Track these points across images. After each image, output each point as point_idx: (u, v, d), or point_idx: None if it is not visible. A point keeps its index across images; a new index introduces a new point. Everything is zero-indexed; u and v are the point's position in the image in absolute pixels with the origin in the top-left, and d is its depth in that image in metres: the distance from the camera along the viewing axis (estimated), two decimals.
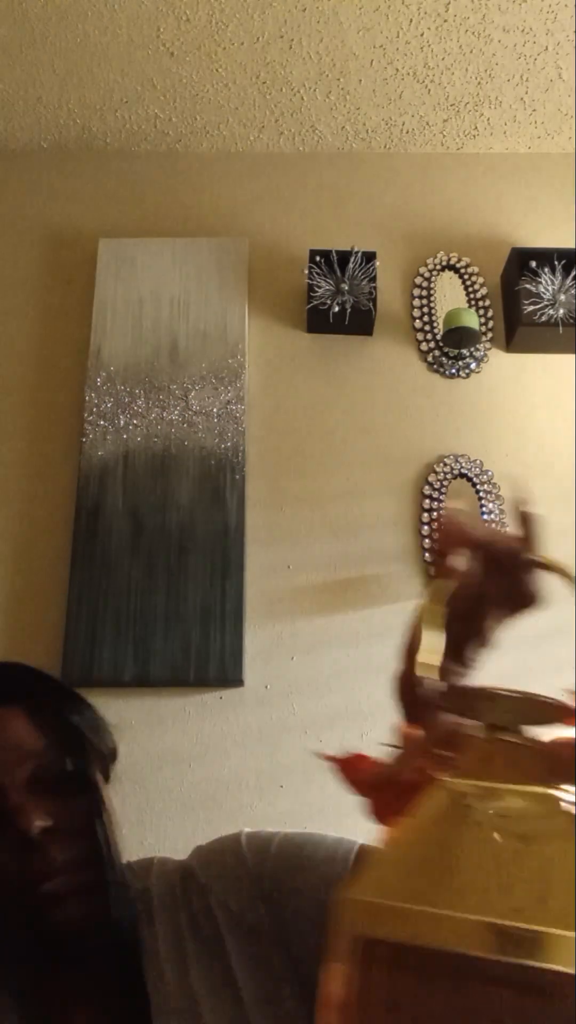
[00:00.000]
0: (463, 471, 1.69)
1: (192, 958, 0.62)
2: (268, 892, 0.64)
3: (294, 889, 0.63)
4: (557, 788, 0.36)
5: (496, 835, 0.33)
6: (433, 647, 0.49)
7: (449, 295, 1.86)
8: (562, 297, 1.73)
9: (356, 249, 1.78)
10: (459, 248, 1.90)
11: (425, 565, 1.63)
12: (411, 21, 1.68)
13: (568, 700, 0.41)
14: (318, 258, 1.79)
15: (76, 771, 0.64)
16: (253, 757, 1.48)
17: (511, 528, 0.53)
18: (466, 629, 0.52)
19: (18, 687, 0.70)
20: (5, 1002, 0.62)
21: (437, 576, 0.51)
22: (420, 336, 1.83)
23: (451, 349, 1.79)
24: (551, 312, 1.73)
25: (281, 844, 0.66)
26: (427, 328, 1.83)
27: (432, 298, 1.86)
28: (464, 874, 0.32)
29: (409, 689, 0.50)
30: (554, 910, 0.30)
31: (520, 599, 0.53)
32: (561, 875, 0.31)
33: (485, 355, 1.81)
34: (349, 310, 1.76)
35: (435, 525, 1.65)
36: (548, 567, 0.51)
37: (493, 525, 1.65)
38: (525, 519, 0.53)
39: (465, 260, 1.89)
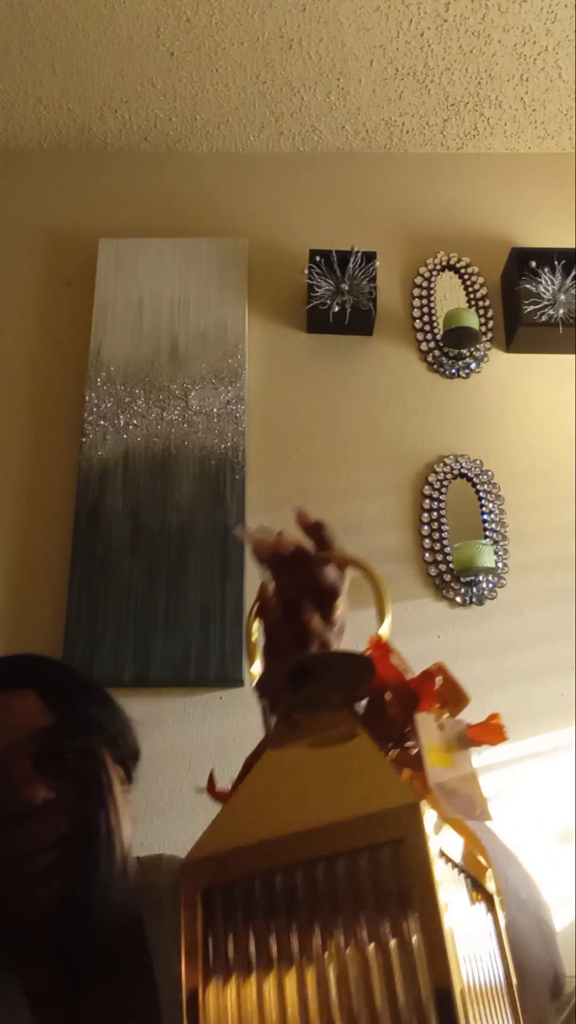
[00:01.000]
0: (463, 471, 1.69)
1: None
2: None
3: None
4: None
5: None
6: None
7: (449, 295, 1.86)
8: (562, 297, 1.73)
9: (356, 249, 1.78)
10: (459, 248, 1.90)
11: (425, 564, 1.63)
12: (411, 21, 1.68)
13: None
14: (318, 258, 1.79)
15: (82, 752, 0.65)
16: None
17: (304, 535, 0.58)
18: (287, 631, 0.55)
19: (33, 673, 0.71)
20: (16, 995, 0.62)
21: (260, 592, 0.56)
22: (420, 336, 1.83)
23: (451, 349, 1.79)
24: (551, 312, 1.73)
25: None
26: (427, 328, 1.83)
27: (432, 298, 1.86)
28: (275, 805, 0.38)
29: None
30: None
31: (319, 591, 0.56)
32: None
33: (485, 355, 1.81)
34: (349, 310, 1.76)
35: (434, 526, 1.65)
36: (338, 560, 0.57)
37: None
38: (309, 526, 0.59)
39: (465, 260, 1.89)
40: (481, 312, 1.84)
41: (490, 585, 1.61)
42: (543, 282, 1.74)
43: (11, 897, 0.59)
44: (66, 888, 0.59)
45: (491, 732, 0.47)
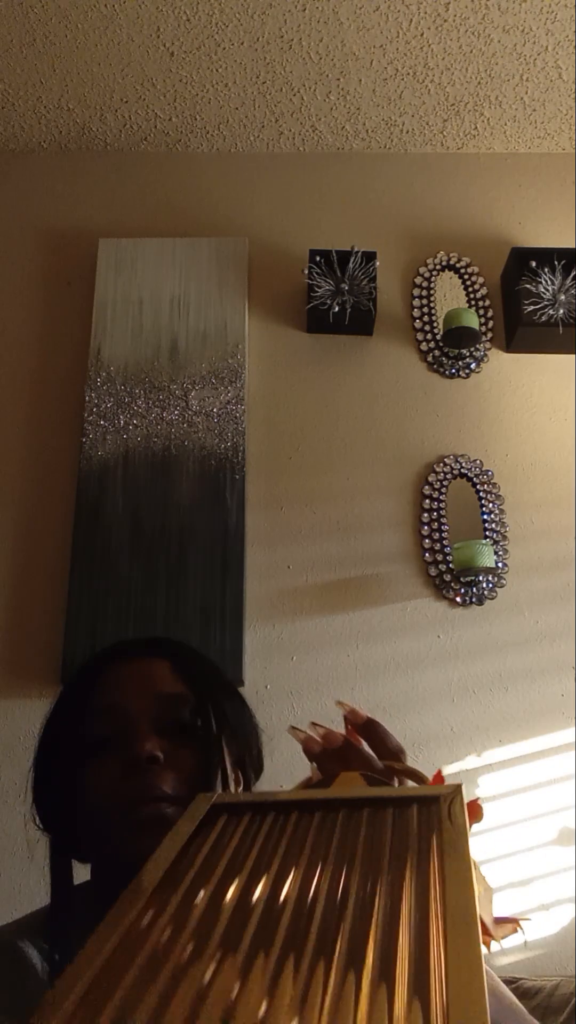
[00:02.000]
0: (463, 471, 1.69)
1: None
2: None
3: None
4: None
5: None
6: None
7: (449, 295, 1.86)
8: (562, 297, 1.73)
9: (356, 249, 1.78)
10: (459, 248, 1.90)
11: (425, 564, 1.63)
12: (411, 21, 1.68)
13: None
14: (318, 258, 1.79)
15: (201, 728, 0.67)
16: None
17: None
18: None
19: (173, 648, 0.75)
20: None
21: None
22: (420, 336, 1.83)
23: (451, 349, 1.79)
24: (551, 312, 1.73)
25: None
26: (427, 328, 1.83)
27: (432, 298, 1.86)
28: None
29: None
30: None
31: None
32: None
33: (485, 355, 1.81)
34: (349, 310, 1.76)
35: (434, 526, 1.65)
36: (390, 765, 0.57)
37: None
38: (361, 725, 0.60)
39: (465, 260, 1.89)
40: (481, 312, 1.84)
41: (490, 585, 1.61)
42: (543, 282, 1.74)
43: (121, 842, 0.62)
44: None
45: (472, 812, 0.47)
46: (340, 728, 0.61)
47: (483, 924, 0.42)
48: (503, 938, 0.46)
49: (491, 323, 1.83)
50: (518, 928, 0.48)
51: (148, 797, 0.62)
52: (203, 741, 0.67)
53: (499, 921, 0.47)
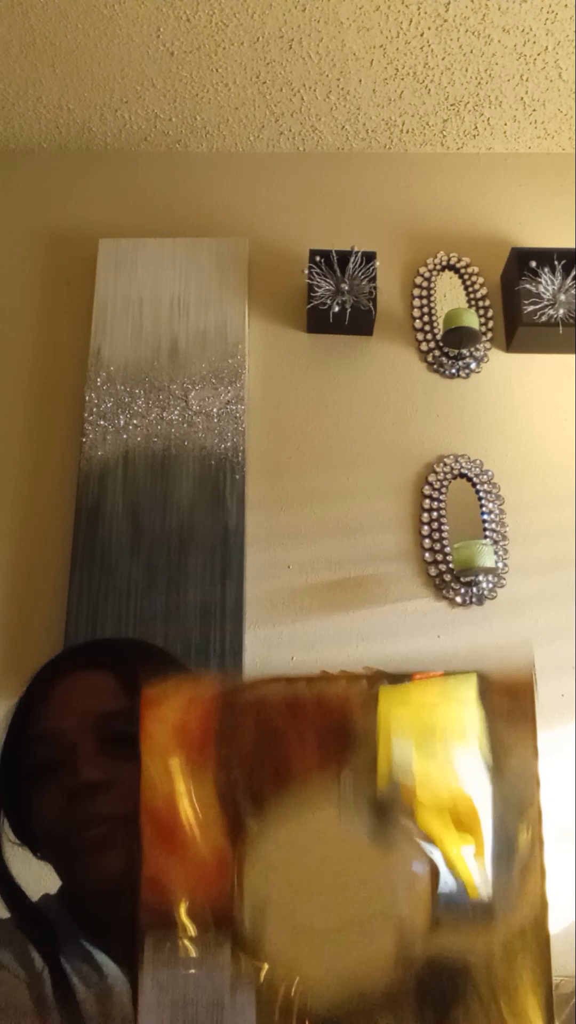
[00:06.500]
0: (463, 471, 1.69)
1: None
2: None
3: None
4: None
5: None
6: None
7: (449, 295, 1.86)
8: (562, 297, 1.73)
9: (356, 249, 1.78)
10: (459, 248, 1.90)
11: (425, 564, 1.63)
12: (411, 21, 1.68)
13: None
14: (318, 258, 1.79)
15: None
16: None
17: None
18: None
19: (117, 657, 0.72)
20: (97, 953, 0.64)
21: None
22: (420, 336, 1.83)
23: (451, 349, 1.79)
24: (551, 312, 1.73)
25: None
26: (427, 328, 1.83)
27: (432, 298, 1.86)
28: None
29: None
30: None
31: None
32: None
33: (485, 355, 1.81)
34: (349, 310, 1.76)
35: (434, 526, 1.65)
36: None
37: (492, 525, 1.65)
38: None
39: (465, 260, 1.89)
40: (481, 312, 1.84)
41: (490, 585, 1.61)
42: (543, 282, 1.74)
43: (76, 869, 0.63)
44: (121, 864, 0.61)
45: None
46: None
47: None
48: None
49: (491, 323, 1.83)
50: None
51: (92, 823, 0.62)
52: None
53: None
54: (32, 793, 0.65)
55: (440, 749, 0.44)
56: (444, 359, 1.80)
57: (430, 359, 1.81)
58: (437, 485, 1.68)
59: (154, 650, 0.77)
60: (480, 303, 1.85)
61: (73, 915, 0.67)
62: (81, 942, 0.65)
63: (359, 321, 1.78)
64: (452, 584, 1.61)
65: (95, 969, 0.64)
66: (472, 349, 1.79)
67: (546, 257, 1.77)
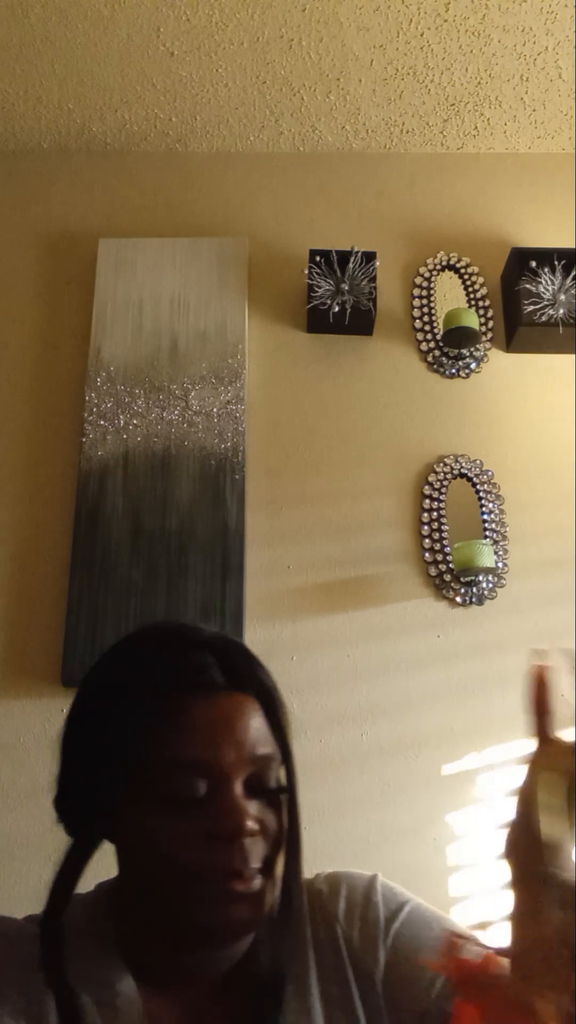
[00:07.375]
0: (463, 471, 1.69)
1: (313, 976, 0.64)
2: (388, 951, 0.65)
3: (409, 975, 0.63)
4: None
5: None
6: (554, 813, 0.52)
7: (449, 295, 1.86)
8: (562, 297, 1.73)
9: (356, 249, 1.78)
10: (459, 248, 1.90)
11: (425, 564, 1.63)
12: (411, 21, 1.68)
13: None
14: (318, 258, 1.79)
15: (286, 788, 0.64)
16: None
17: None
18: None
19: (260, 679, 0.68)
20: (122, 970, 0.62)
21: (538, 737, 0.56)
22: (420, 336, 1.83)
23: (451, 349, 1.79)
24: (551, 312, 1.73)
25: (412, 912, 0.67)
26: (427, 328, 1.83)
27: (432, 298, 1.86)
28: None
29: (524, 847, 0.53)
30: None
31: None
32: None
33: (485, 355, 1.81)
34: (349, 310, 1.76)
35: (434, 526, 1.65)
36: None
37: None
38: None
39: (465, 260, 1.89)
40: (481, 312, 1.84)
41: (490, 585, 1.61)
42: (543, 282, 1.74)
43: (203, 911, 0.58)
44: (248, 915, 0.59)
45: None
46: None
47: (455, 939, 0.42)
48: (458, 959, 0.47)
49: (491, 323, 1.83)
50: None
51: (239, 872, 0.58)
52: (289, 803, 0.64)
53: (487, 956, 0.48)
54: (154, 817, 0.59)
55: None
56: (444, 359, 1.80)
57: (430, 359, 1.81)
58: (437, 485, 1.68)
59: (242, 648, 0.72)
60: (480, 303, 1.85)
61: (125, 915, 0.63)
62: (105, 952, 0.62)
63: (359, 321, 1.78)
64: (452, 584, 1.61)
65: (107, 985, 0.61)
66: (472, 349, 1.79)
67: (546, 257, 1.77)
